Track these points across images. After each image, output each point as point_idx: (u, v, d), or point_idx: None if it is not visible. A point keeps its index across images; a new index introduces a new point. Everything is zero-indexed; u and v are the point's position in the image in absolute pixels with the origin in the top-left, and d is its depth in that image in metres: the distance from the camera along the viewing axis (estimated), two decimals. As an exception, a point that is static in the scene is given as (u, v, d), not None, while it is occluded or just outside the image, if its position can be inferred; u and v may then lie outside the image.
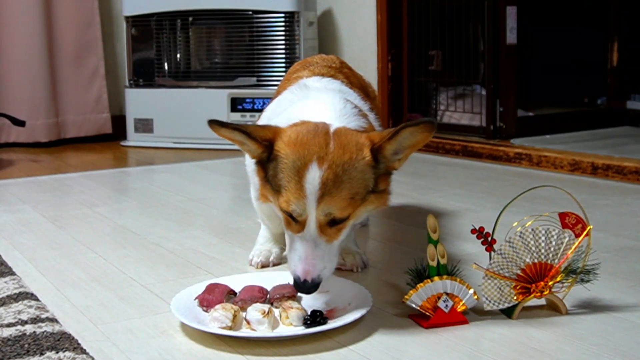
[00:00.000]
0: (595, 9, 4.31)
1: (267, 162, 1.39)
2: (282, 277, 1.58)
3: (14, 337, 1.34)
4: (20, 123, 3.77)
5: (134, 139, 4.11)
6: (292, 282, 1.50)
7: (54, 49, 4.10)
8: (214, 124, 1.35)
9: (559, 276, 1.44)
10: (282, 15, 3.84)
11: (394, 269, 1.78)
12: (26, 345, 1.30)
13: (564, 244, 1.44)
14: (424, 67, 3.89)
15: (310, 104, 1.51)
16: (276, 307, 1.43)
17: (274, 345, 1.33)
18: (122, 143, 4.14)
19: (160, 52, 4.10)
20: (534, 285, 1.44)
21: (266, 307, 1.38)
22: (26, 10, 3.98)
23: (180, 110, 3.96)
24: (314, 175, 1.31)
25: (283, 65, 3.86)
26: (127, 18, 4.11)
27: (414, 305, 1.40)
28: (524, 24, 3.59)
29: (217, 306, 1.38)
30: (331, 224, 1.35)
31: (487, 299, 1.43)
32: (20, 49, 4.01)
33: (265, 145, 1.38)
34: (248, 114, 3.84)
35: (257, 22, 3.89)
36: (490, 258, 1.43)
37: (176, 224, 2.28)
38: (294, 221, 1.36)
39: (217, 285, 1.50)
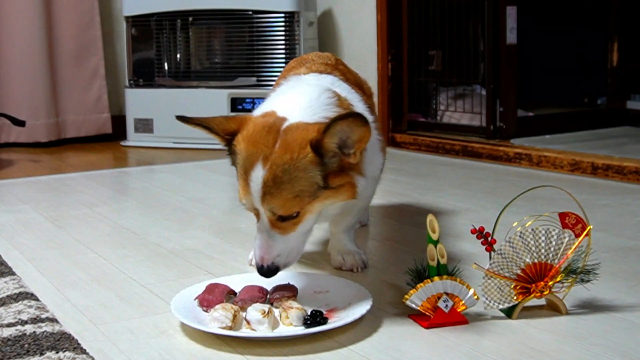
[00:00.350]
0: (595, 9, 4.31)
1: (230, 153, 1.47)
2: (282, 277, 1.58)
3: (14, 337, 1.34)
4: (20, 123, 3.77)
5: (134, 139, 4.11)
6: (291, 282, 1.52)
7: (54, 49, 4.10)
8: (180, 119, 1.48)
9: (559, 276, 1.44)
10: (282, 15, 3.84)
11: (394, 269, 1.78)
12: (26, 345, 1.30)
13: (564, 244, 1.44)
14: (424, 67, 3.89)
15: (286, 96, 1.54)
16: (276, 307, 1.43)
17: (274, 345, 1.33)
18: (122, 143, 4.14)
19: (160, 52, 4.10)
20: (534, 285, 1.44)
21: (266, 307, 1.38)
22: (26, 11, 3.98)
23: (180, 110, 3.92)
24: (257, 175, 1.38)
25: (283, 65, 3.85)
26: (127, 18, 4.11)
27: (414, 305, 1.40)
28: (524, 24, 3.59)
29: (217, 306, 1.38)
30: (282, 220, 1.41)
31: (487, 299, 1.43)
32: (20, 49, 4.01)
33: (228, 139, 1.46)
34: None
35: (257, 22, 3.89)
36: (490, 258, 1.43)
37: (176, 224, 2.28)
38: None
39: (217, 285, 1.50)
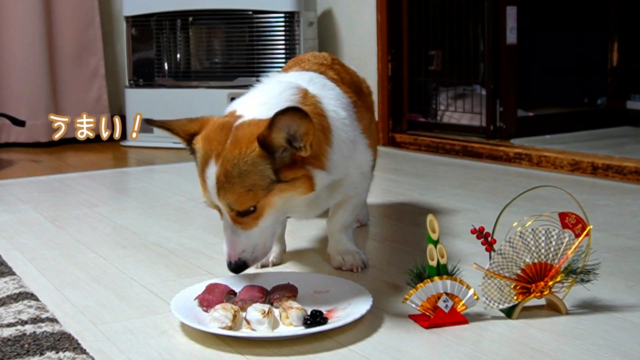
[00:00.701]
0: (595, 9, 4.31)
1: (192, 152, 1.51)
2: (282, 277, 1.58)
3: (14, 337, 1.34)
4: (20, 123, 3.77)
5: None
6: (291, 282, 1.52)
7: (54, 49, 4.10)
8: (145, 122, 1.55)
9: (559, 276, 1.44)
10: (282, 15, 3.84)
11: (394, 269, 1.78)
12: (26, 345, 1.30)
13: (564, 244, 1.44)
14: (424, 67, 3.89)
15: (250, 94, 1.57)
16: (276, 307, 1.43)
17: (274, 345, 1.33)
18: (122, 143, 4.14)
19: (160, 52, 4.10)
20: (534, 285, 1.44)
21: (266, 307, 1.38)
22: (26, 11, 3.98)
23: (180, 110, 3.94)
24: (211, 172, 1.42)
25: (283, 65, 3.85)
26: (127, 18, 4.11)
27: (414, 305, 1.40)
28: (524, 24, 3.59)
29: (217, 306, 1.38)
30: (241, 215, 1.43)
31: (487, 299, 1.43)
32: (20, 49, 4.01)
33: (188, 139, 1.50)
34: (248, 114, 3.84)
35: (257, 22, 3.89)
36: (490, 258, 1.43)
37: (176, 224, 2.28)
38: None
39: (217, 285, 1.50)
